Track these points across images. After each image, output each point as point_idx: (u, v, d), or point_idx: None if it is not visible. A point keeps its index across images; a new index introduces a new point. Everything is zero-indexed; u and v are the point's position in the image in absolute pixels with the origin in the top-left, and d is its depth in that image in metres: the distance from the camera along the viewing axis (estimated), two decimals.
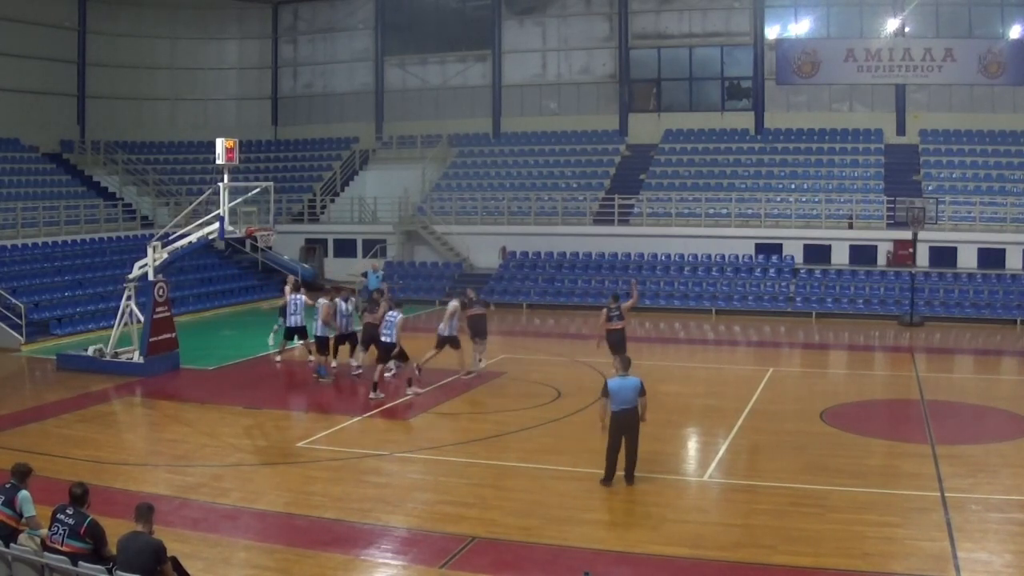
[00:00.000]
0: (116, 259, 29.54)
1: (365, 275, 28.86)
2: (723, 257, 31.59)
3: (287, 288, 21.58)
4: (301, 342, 21.34)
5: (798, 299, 29.65)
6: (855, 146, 34.79)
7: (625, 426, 12.40)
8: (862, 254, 30.83)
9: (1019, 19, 33.72)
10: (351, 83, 41.52)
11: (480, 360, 20.33)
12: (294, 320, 20.84)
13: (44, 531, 8.60)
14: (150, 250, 20.47)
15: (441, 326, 19.39)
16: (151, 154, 39.78)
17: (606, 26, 38.33)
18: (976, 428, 16.21)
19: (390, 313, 18.19)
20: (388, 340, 17.99)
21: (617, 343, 18.66)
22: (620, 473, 12.60)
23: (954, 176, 32.50)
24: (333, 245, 36.41)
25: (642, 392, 12.48)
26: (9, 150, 34.17)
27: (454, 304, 19.61)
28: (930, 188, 31.90)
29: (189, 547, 10.15)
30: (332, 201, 37.94)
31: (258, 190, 21.98)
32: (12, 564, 8.11)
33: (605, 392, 12.50)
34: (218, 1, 41.14)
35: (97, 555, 8.25)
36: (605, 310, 19.29)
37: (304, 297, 21.08)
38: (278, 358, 21.77)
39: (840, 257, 30.91)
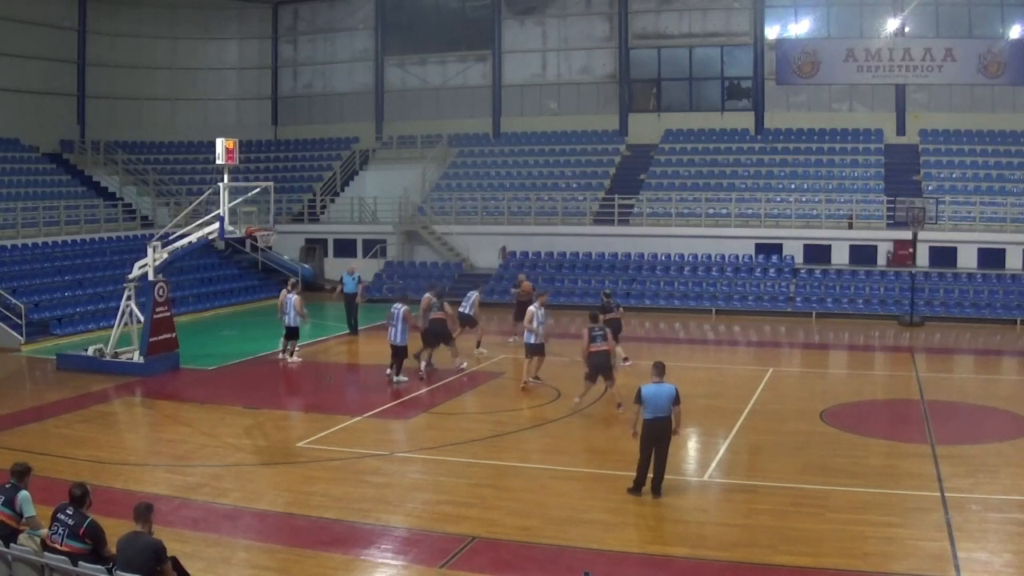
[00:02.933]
0: (116, 259, 29.52)
1: (341, 279, 28.20)
2: (723, 257, 31.58)
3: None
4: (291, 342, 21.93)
5: (798, 299, 29.63)
6: (855, 146, 34.79)
7: (657, 435, 12.02)
8: (862, 254, 30.82)
9: (1019, 19, 33.71)
10: (351, 83, 41.51)
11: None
12: (288, 319, 21.65)
13: (44, 531, 8.60)
14: (150, 250, 20.47)
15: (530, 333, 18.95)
16: (151, 154, 39.77)
17: (606, 26, 38.32)
18: (976, 428, 16.20)
19: (469, 293, 22.68)
20: (465, 311, 22.03)
21: (602, 365, 16.66)
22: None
23: (954, 176, 32.50)
24: (333, 245, 36.39)
25: (676, 400, 12.02)
26: (9, 150, 34.16)
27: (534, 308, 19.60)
28: (930, 188, 31.90)
29: (189, 547, 10.16)
30: (332, 201, 37.93)
31: (258, 190, 21.98)
32: (12, 564, 8.10)
33: (639, 399, 12.04)
34: (218, 1, 41.13)
35: (96, 555, 8.26)
36: (587, 331, 16.90)
37: (295, 297, 21.67)
38: (296, 358, 22.01)
39: (840, 257, 30.90)
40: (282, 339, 22.16)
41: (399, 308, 19.45)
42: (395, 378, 19.39)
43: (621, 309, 21.79)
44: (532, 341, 18.77)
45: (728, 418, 16.41)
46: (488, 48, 39.33)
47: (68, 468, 13.08)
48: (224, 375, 20.84)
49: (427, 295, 20.61)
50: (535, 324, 18.63)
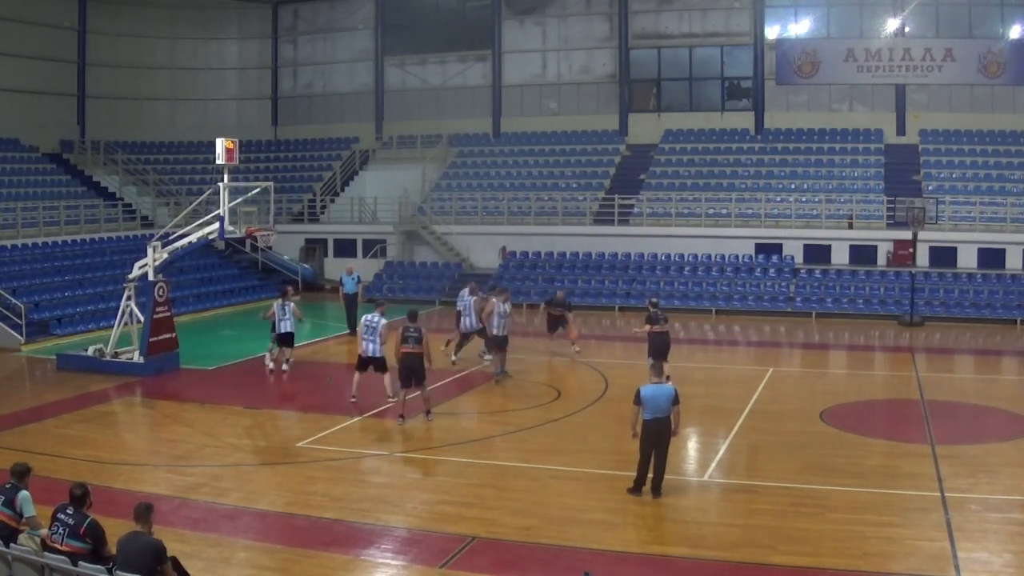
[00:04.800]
0: (116, 259, 29.53)
1: (340, 280, 26.84)
2: (723, 257, 31.58)
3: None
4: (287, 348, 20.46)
5: (798, 299, 29.64)
6: (855, 146, 34.79)
7: (657, 436, 12.04)
8: (862, 254, 30.83)
9: (1019, 19, 33.71)
10: (351, 83, 41.52)
11: None
12: (288, 325, 20.15)
13: (44, 531, 8.60)
14: (150, 250, 20.46)
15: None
16: (151, 154, 39.77)
17: (606, 26, 38.33)
18: (976, 428, 16.21)
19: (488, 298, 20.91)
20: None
21: (413, 368, 15.79)
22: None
23: (954, 176, 32.50)
24: (333, 245, 36.40)
25: (676, 401, 12.06)
26: (9, 150, 34.16)
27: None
28: (930, 188, 31.91)
29: (189, 547, 10.16)
30: (332, 201, 37.93)
31: (258, 190, 21.96)
32: (12, 564, 8.10)
33: (638, 399, 12.06)
34: (218, 1, 41.14)
35: (97, 555, 8.26)
36: (400, 330, 15.93)
37: (292, 304, 20.26)
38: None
39: (840, 257, 30.91)
40: (275, 347, 20.45)
41: (468, 298, 20.77)
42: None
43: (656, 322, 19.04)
44: (495, 333, 19.82)
45: (728, 418, 16.41)
46: (488, 48, 39.33)
47: (68, 468, 13.08)
48: (224, 375, 20.84)
49: (492, 299, 19.90)
50: (495, 319, 19.58)
